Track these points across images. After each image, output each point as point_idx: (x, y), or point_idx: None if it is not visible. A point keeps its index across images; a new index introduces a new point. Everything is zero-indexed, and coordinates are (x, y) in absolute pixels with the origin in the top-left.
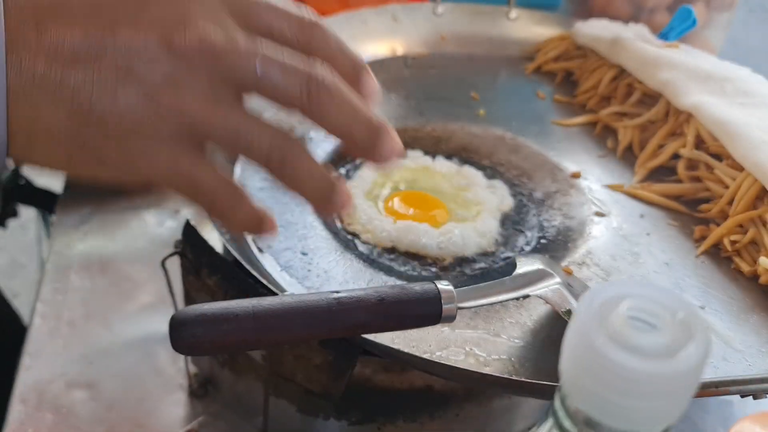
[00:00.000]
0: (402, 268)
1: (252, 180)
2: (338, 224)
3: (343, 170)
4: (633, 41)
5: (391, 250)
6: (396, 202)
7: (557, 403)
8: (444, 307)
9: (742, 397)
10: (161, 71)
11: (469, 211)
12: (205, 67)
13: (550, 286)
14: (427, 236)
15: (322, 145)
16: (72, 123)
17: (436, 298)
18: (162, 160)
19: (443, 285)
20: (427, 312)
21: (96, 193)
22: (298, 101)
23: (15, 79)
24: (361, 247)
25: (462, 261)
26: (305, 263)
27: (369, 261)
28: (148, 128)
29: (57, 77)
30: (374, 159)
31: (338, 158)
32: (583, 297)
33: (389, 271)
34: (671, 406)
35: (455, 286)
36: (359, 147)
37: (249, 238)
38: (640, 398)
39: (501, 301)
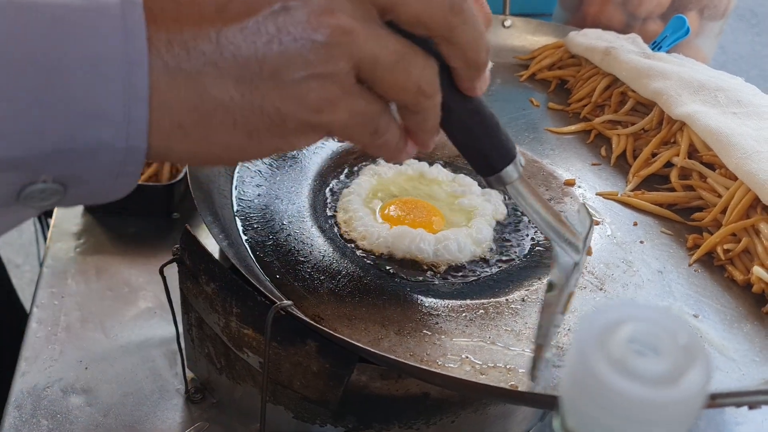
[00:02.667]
0: (398, 274)
1: (248, 186)
2: (336, 231)
3: (340, 178)
4: (625, 52)
5: (388, 257)
6: (392, 209)
7: (557, 423)
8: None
9: (738, 407)
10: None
11: (464, 218)
12: None
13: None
14: (423, 242)
15: (319, 152)
16: (241, 89)
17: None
18: (343, 106)
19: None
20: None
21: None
22: (439, 21)
23: (159, 58)
24: (358, 254)
25: (457, 268)
26: (302, 270)
27: (366, 267)
28: (322, 65)
29: (213, 42)
30: (474, 85)
31: (335, 165)
32: (582, 320)
33: (385, 277)
34: (674, 431)
35: (450, 293)
36: (473, 69)
37: (247, 244)
38: (642, 425)
39: (536, 216)
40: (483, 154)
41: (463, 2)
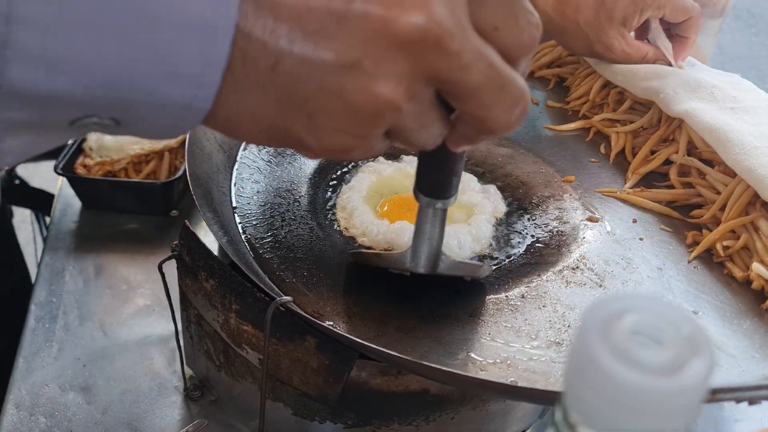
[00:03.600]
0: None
1: (247, 183)
2: (336, 227)
3: (339, 174)
4: None
5: None
6: (391, 206)
7: (558, 415)
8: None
9: (738, 402)
10: (375, 54)
11: (463, 214)
12: (416, 56)
13: None
14: None
15: None
16: (279, 111)
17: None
18: (358, 152)
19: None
20: None
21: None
22: (494, 124)
23: (236, 56)
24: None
25: None
26: (302, 266)
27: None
28: (358, 129)
29: (270, 61)
30: (463, 149)
31: (334, 161)
32: (586, 311)
33: (385, 274)
34: (675, 422)
35: (449, 290)
36: (473, 143)
37: (246, 241)
38: (644, 415)
39: (422, 235)
40: (438, 182)
41: (525, 111)
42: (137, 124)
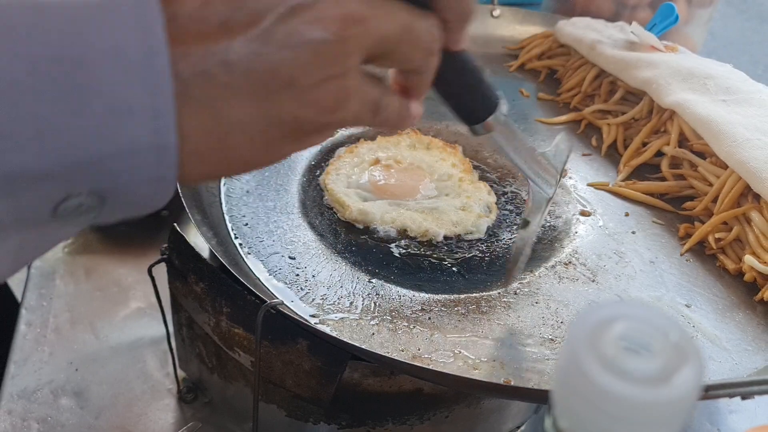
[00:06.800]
0: (394, 266)
1: (236, 183)
2: (327, 225)
3: None
4: (610, 47)
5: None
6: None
7: (548, 424)
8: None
9: (730, 398)
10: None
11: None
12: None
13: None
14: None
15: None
16: (257, 105)
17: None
18: (355, 99)
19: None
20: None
21: None
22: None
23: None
24: (352, 249)
25: (456, 240)
26: (293, 267)
27: (357, 263)
28: (337, 65)
29: (221, 61)
30: (462, 38)
31: (323, 159)
32: (574, 319)
33: (377, 272)
34: (666, 430)
35: (442, 288)
36: (464, 21)
37: (237, 242)
38: (634, 424)
39: (514, 159)
40: (468, 106)
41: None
42: (119, 195)
